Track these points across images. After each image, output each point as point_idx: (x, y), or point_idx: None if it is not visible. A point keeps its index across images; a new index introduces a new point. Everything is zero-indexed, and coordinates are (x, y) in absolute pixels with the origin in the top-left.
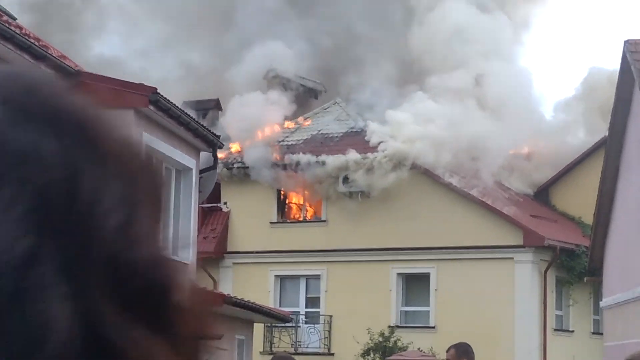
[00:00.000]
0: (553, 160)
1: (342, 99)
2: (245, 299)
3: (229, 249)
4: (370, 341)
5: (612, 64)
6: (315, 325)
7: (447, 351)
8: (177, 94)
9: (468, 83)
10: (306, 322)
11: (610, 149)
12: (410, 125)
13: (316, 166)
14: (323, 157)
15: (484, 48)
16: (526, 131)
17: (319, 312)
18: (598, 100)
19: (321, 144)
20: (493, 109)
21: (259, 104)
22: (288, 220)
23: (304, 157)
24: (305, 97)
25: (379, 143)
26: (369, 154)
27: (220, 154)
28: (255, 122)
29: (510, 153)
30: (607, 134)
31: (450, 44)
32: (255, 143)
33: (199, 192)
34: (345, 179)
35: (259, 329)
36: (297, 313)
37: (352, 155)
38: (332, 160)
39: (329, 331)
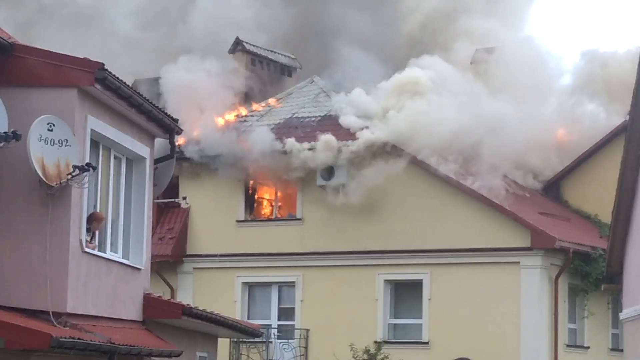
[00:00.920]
0: (565, 148)
1: (320, 77)
2: (208, 310)
3: (188, 252)
4: (353, 359)
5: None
6: (290, 341)
7: None
8: (126, 69)
9: (470, 57)
10: (279, 337)
11: (631, 135)
12: (398, 104)
13: (282, 155)
14: (292, 144)
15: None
16: (541, 115)
17: (293, 325)
18: (617, 79)
19: (295, 129)
20: (498, 88)
21: (217, 76)
22: (257, 219)
23: (270, 144)
24: (277, 75)
25: (362, 128)
26: (349, 142)
27: (179, 141)
28: (213, 101)
29: (523, 141)
30: (627, 118)
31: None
32: (215, 128)
33: (154, 185)
34: (327, 172)
35: (224, 344)
36: (269, 326)
37: (326, 140)
38: (298, 148)
39: (306, 347)
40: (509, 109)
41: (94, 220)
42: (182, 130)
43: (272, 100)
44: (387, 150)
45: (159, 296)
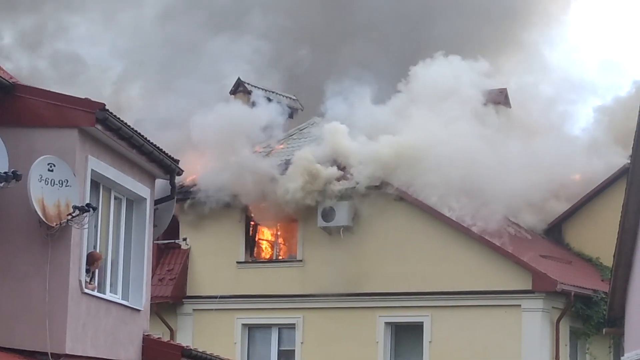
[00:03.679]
0: (567, 190)
1: (322, 118)
2: (208, 352)
3: (188, 293)
4: None
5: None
6: None
7: None
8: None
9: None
10: None
11: (632, 178)
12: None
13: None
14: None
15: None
16: (546, 157)
17: None
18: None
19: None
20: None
21: (223, 119)
22: (258, 260)
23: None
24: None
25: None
26: (348, 176)
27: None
28: (217, 145)
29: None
30: (628, 161)
31: None
32: (217, 170)
33: (154, 226)
34: (327, 213)
35: None
36: None
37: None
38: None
39: None
40: (523, 149)
41: (92, 260)
42: (182, 171)
43: (272, 142)
44: (388, 191)
45: (159, 338)
